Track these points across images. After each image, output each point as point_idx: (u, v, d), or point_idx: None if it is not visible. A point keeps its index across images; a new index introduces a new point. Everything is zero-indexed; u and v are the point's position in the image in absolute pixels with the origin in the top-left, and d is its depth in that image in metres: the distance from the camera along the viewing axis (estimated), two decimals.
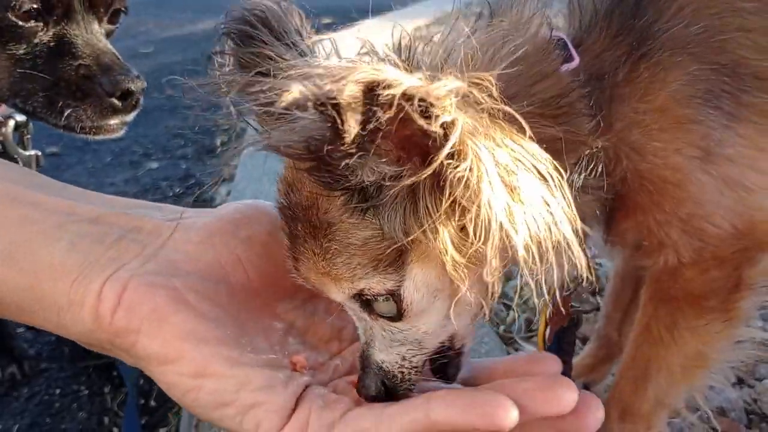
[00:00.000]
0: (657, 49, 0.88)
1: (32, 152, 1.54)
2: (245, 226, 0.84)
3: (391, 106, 0.55)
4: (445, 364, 0.84)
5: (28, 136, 1.54)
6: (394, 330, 0.79)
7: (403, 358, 0.80)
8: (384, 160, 0.62)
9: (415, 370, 0.81)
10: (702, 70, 0.87)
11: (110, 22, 1.42)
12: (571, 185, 0.82)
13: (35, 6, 1.24)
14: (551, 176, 0.62)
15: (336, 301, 0.79)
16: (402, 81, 0.55)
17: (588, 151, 0.84)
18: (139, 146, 3.67)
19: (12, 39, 1.25)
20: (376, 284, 0.74)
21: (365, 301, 0.77)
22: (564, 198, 0.63)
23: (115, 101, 1.30)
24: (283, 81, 0.57)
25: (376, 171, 0.63)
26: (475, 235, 0.62)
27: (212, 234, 0.81)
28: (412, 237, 0.68)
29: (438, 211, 0.63)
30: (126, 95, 1.31)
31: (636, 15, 0.90)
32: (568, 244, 0.64)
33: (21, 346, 1.88)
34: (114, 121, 1.34)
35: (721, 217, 0.90)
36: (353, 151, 0.59)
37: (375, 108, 0.55)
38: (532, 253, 0.62)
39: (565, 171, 0.71)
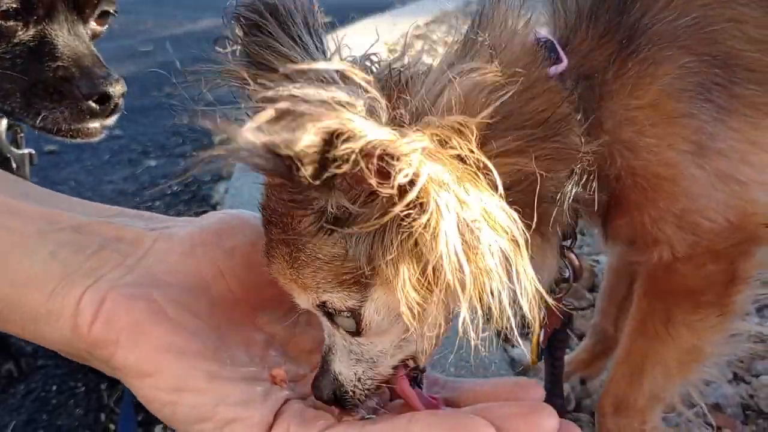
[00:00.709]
0: (645, 44, 0.88)
1: (26, 151, 1.52)
2: (228, 236, 0.83)
3: (347, 160, 0.55)
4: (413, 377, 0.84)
5: (22, 135, 1.53)
6: (353, 342, 0.79)
7: (359, 379, 0.80)
8: (347, 197, 0.63)
9: (367, 392, 0.81)
10: (693, 63, 0.87)
11: (98, 23, 1.40)
12: (563, 197, 0.83)
13: (14, 6, 1.22)
14: (516, 240, 0.62)
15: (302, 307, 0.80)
16: (366, 134, 0.55)
17: (580, 164, 0.83)
18: (137, 144, 3.67)
19: None
20: (338, 300, 0.74)
21: (328, 312, 0.77)
22: (525, 267, 0.63)
23: (92, 104, 1.27)
24: (269, 114, 0.56)
25: (340, 205, 0.64)
26: (431, 282, 0.63)
27: (194, 245, 0.80)
28: (373, 266, 0.69)
29: (399, 250, 0.64)
30: (104, 99, 1.28)
31: (623, 11, 0.89)
32: (520, 304, 0.64)
33: (17, 343, 1.87)
34: (92, 125, 1.31)
35: (714, 211, 0.90)
36: (314, 188, 0.60)
37: (331, 160, 0.56)
38: (478, 308, 0.62)
39: (560, 185, 0.71)
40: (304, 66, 0.64)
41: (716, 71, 0.87)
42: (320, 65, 0.64)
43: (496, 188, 0.62)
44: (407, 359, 0.82)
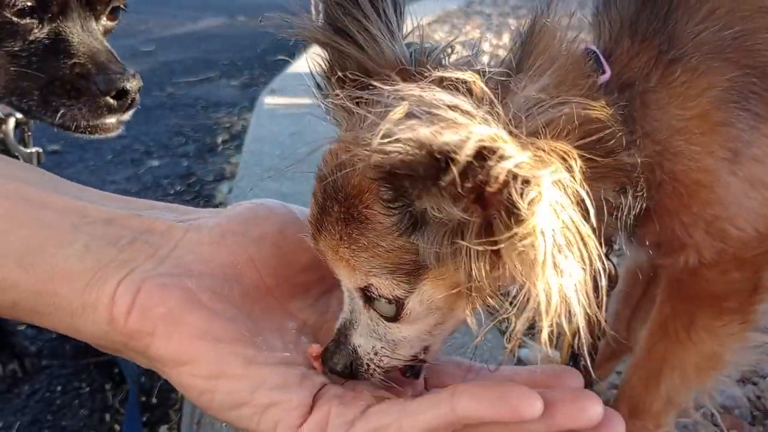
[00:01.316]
0: (691, 53, 0.87)
1: (33, 149, 1.53)
2: (256, 225, 0.83)
3: (498, 179, 0.55)
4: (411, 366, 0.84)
5: (29, 134, 1.54)
6: (380, 324, 0.79)
7: (375, 353, 0.81)
8: (457, 205, 0.61)
9: (381, 370, 0.81)
10: (738, 76, 0.87)
11: (109, 19, 1.41)
12: (620, 213, 0.83)
13: (30, 4, 1.23)
14: (593, 267, 0.62)
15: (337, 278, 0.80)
16: (514, 156, 0.55)
17: (631, 179, 0.83)
18: (140, 144, 3.67)
19: (7, 36, 1.24)
20: (386, 287, 0.74)
21: (368, 295, 0.77)
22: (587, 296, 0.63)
23: (110, 100, 1.28)
24: (402, 112, 0.55)
25: (445, 211, 0.63)
26: (512, 300, 0.64)
27: (224, 234, 0.81)
28: (443, 268, 0.69)
29: (481, 262, 0.64)
30: (121, 94, 1.29)
31: (664, 18, 0.89)
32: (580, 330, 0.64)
33: (22, 344, 1.87)
34: (110, 120, 1.32)
35: (744, 219, 0.90)
36: (436, 192, 0.59)
37: (481, 172, 0.55)
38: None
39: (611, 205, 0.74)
40: (442, 73, 0.62)
41: (754, 80, 0.87)
42: (455, 74, 0.62)
43: (587, 217, 0.62)
44: (424, 350, 0.82)
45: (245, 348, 0.73)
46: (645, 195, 0.86)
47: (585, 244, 0.61)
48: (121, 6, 1.43)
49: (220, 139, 3.75)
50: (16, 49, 1.25)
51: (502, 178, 0.55)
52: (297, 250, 0.83)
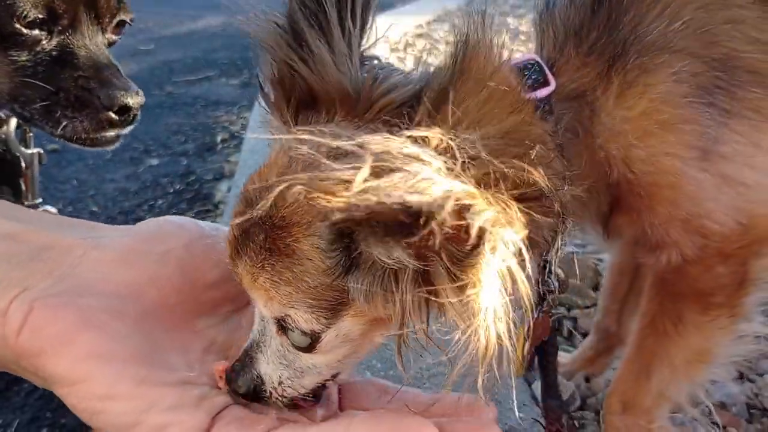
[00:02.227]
0: (633, 55, 0.87)
1: (34, 150, 1.54)
2: (161, 242, 0.81)
3: (470, 234, 0.56)
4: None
5: (31, 134, 1.55)
6: (290, 350, 0.78)
7: (280, 383, 0.79)
8: (410, 254, 0.61)
9: (285, 399, 0.80)
10: (690, 65, 0.86)
11: (114, 32, 1.42)
12: (553, 242, 0.84)
13: (41, 16, 1.24)
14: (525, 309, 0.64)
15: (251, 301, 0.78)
16: (485, 214, 0.56)
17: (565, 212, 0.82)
18: (139, 143, 3.67)
19: (15, 46, 1.25)
20: (304, 321, 0.73)
21: (283, 325, 0.76)
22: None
23: (112, 115, 1.29)
24: (371, 166, 0.54)
25: (394, 258, 0.62)
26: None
27: (126, 252, 0.79)
28: (371, 306, 0.68)
29: (416, 307, 0.64)
30: (123, 110, 1.30)
31: (612, 27, 0.88)
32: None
33: None
34: (109, 134, 1.33)
35: (723, 214, 0.90)
36: (396, 243, 0.60)
37: (452, 228, 0.56)
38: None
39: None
40: (410, 133, 0.61)
41: (718, 74, 0.87)
42: (420, 132, 0.61)
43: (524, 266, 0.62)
44: (332, 377, 0.81)
45: (139, 368, 0.71)
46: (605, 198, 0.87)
47: (521, 290, 0.61)
48: (127, 20, 1.43)
49: (219, 138, 3.75)
50: (22, 58, 1.26)
51: (475, 234, 0.56)
52: (203, 267, 0.81)
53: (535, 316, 1.00)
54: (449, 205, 0.54)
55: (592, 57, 0.89)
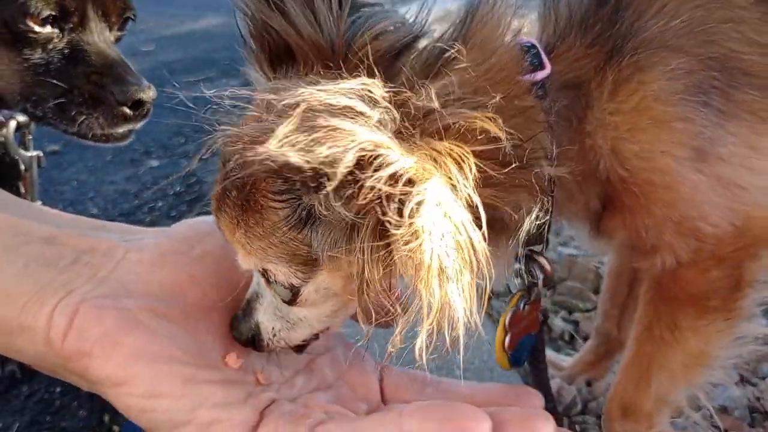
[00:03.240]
0: (631, 50, 0.86)
1: (33, 153, 1.54)
2: (198, 243, 0.83)
3: (373, 188, 0.57)
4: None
5: (30, 137, 1.55)
6: (281, 303, 0.81)
7: (274, 334, 0.82)
8: (346, 207, 0.62)
9: (280, 347, 0.83)
10: (686, 63, 0.85)
11: (119, 29, 1.44)
12: (521, 225, 0.82)
13: (53, 13, 1.25)
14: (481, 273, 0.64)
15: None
16: (397, 161, 0.57)
17: (544, 196, 0.82)
18: (139, 144, 3.66)
19: (27, 45, 1.26)
20: (282, 274, 0.75)
21: (266, 278, 0.78)
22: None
23: (126, 110, 1.31)
24: (295, 121, 0.57)
25: (333, 211, 0.64)
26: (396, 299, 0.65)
27: (164, 253, 0.81)
28: (334, 262, 0.70)
29: (370, 254, 0.64)
30: (137, 105, 1.32)
31: (614, 21, 0.88)
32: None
33: None
34: (123, 129, 1.35)
35: (718, 216, 0.89)
36: (322, 196, 0.61)
37: (359, 181, 0.57)
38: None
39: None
40: (329, 87, 0.62)
41: (714, 74, 0.86)
42: (344, 85, 0.62)
43: (479, 225, 0.62)
44: (323, 331, 0.84)
45: (185, 367, 0.73)
46: (595, 193, 0.87)
47: (474, 250, 0.61)
48: (132, 17, 1.44)
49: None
50: (35, 57, 1.27)
51: (379, 185, 0.57)
52: None
53: (520, 307, 1.00)
54: (348, 159, 0.55)
55: (594, 49, 0.88)
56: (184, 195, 3.01)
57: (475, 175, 0.62)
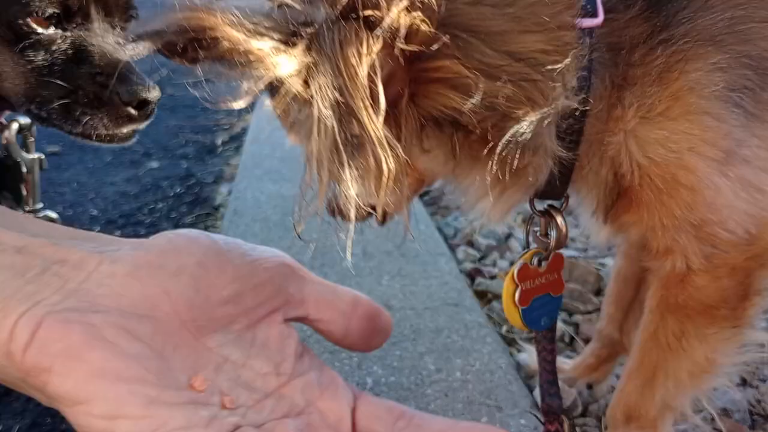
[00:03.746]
0: (681, 37, 0.85)
1: (36, 155, 1.54)
2: (174, 257, 0.80)
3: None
4: None
5: (32, 139, 1.54)
6: None
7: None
8: None
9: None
10: (726, 60, 0.84)
11: (122, 28, 1.43)
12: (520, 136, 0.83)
13: (56, 11, 1.24)
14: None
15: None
16: None
17: (550, 114, 0.82)
18: (139, 145, 3.66)
19: (30, 46, 1.25)
20: None
21: None
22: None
23: (132, 110, 1.30)
24: None
25: None
26: None
27: (138, 266, 0.77)
28: None
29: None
30: (142, 104, 1.31)
31: (670, 2, 0.87)
32: None
33: None
34: (127, 129, 1.34)
35: (735, 222, 0.88)
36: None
37: None
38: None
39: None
40: None
41: (747, 73, 0.84)
42: None
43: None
44: None
45: (148, 387, 0.69)
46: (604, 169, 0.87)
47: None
48: (134, 16, 1.44)
49: (219, 141, 3.75)
50: (39, 59, 1.26)
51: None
52: (217, 283, 0.80)
53: (533, 263, 1.01)
54: None
55: (643, 17, 0.86)
56: (184, 196, 3.01)
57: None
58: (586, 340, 1.56)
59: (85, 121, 1.28)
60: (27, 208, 1.58)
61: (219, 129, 3.96)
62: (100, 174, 3.26)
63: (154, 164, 3.42)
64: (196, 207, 2.88)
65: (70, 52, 1.28)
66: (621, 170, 0.90)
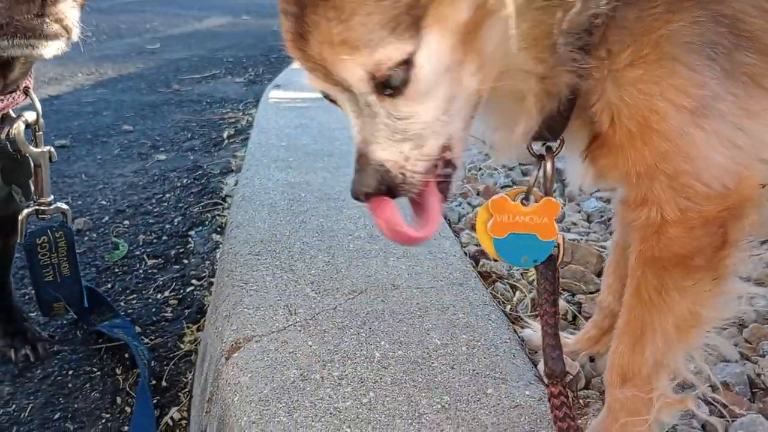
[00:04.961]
0: None
1: (45, 149, 1.56)
2: None
3: None
4: (445, 183, 0.86)
5: (40, 133, 1.56)
6: (398, 115, 0.79)
7: (406, 158, 0.80)
8: None
9: (418, 174, 0.80)
10: (704, 15, 0.87)
11: None
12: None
13: None
14: None
15: (347, 84, 0.79)
16: None
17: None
18: (147, 139, 3.71)
19: None
20: (394, 50, 0.75)
21: (378, 79, 0.77)
22: None
23: None
24: None
25: None
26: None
27: None
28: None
29: None
30: None
31: None
32: None
33: (34, 329, 1.90)
34: (37, 25, 1.19)
35: (711, 175, 0.90)
36: None
37: None
38: None
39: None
40: None
41: (722, 30, 0.87)
42: None
43: None
44: (447, 146, 0.82)
45: None
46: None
47: None
48: None
49: (225, 134, 3.78)
50: None
51: None
52: None
53: (512, 199, 1.04)
54: None
55: None
56: (191, 187, 3.05)
57: None
58: (589, 319, 1.58)
59: None
60: (38, 201, 1.60)
61: (225, 123, 4.00)
62: (108, 166, 3.30)
63: (162, 156, 3.46)
64: (204, 197, 2.92)
65: None
66: (594, 108, 0.92)
